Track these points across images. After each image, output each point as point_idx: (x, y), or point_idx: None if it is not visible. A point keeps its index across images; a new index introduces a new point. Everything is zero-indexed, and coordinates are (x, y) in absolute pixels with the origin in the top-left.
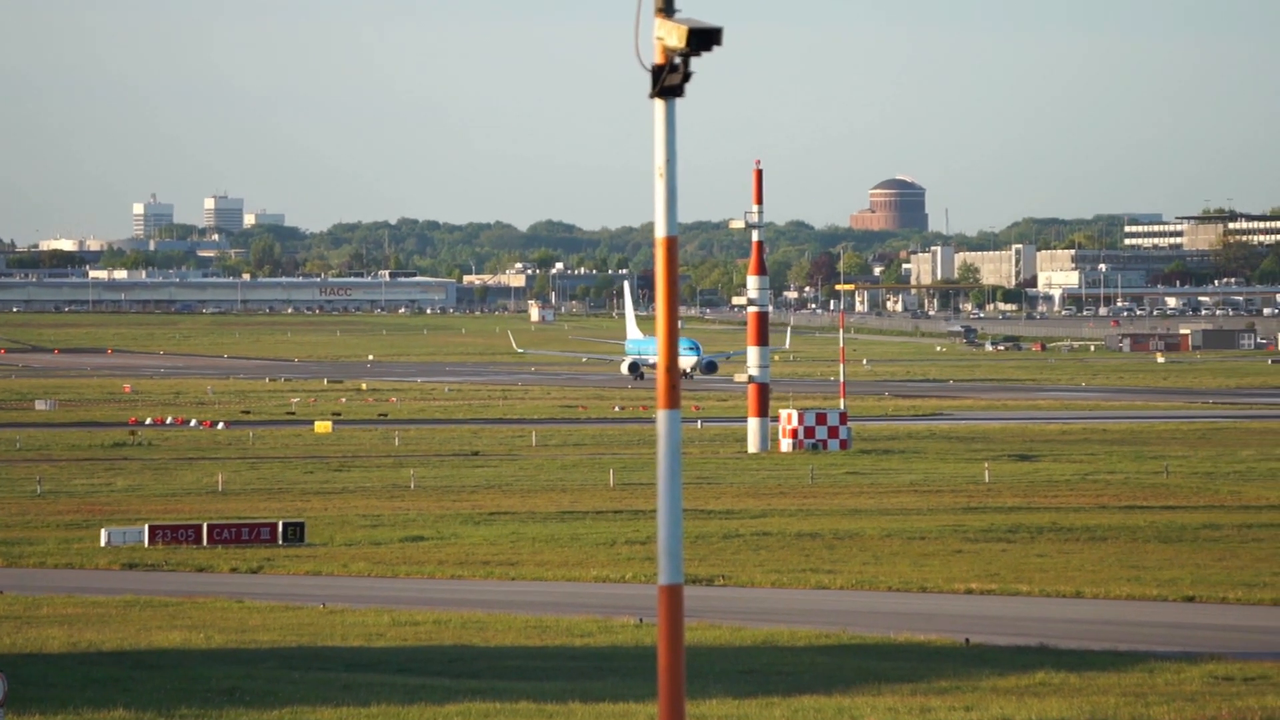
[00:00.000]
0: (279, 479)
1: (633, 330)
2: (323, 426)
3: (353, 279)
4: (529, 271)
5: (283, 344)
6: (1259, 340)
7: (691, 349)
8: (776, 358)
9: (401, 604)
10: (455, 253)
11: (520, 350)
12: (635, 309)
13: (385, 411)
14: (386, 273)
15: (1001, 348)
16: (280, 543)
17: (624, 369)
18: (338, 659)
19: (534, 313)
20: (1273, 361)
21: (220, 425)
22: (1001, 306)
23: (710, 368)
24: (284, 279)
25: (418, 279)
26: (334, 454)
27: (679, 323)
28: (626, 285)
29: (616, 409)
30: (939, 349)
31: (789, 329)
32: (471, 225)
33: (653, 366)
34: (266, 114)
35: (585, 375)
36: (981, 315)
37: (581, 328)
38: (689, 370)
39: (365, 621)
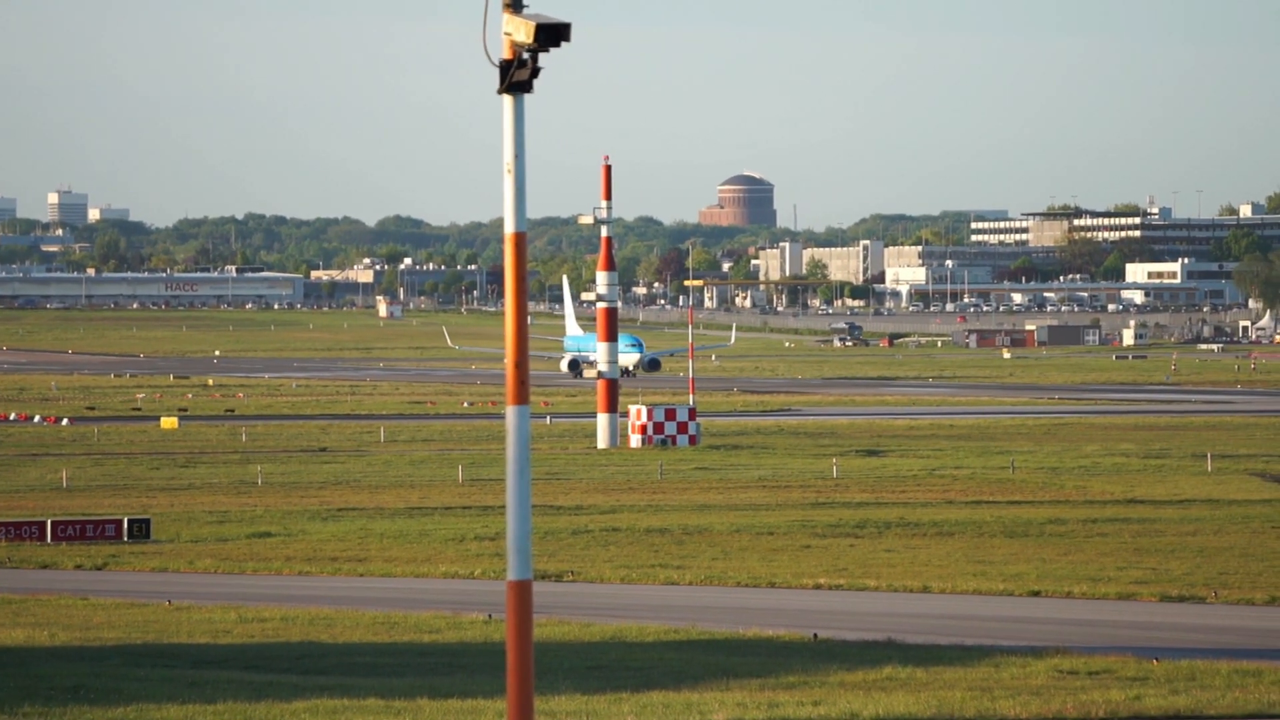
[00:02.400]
0: (124, 475)
1: (572, 327)
2: (169, 422)
3: (199, 274)
4: (377, 267)
5: (128, 339)
6: (1103, 336)
7: (634, 346)
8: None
9: (248, 600)
10: (303, 248)
11: (455, 347)
12: (486, 305)
13: (232, 407)
14: (233, 268)
15: (850, 343)
16: (125, 539)
17: (563, 366)
18: (184, 656)
19: (382, 308)
20: (1117, 357)
21: (65, 421)
22: (849, 302)
23: (653, 365)
24: (129, 274)
25: (265, 274)
26: (180, 450)
27: (529, 318)
28: (565, 281)
29: (465, 404)
30: (787, 345)
31: (733, 328)
32: (319, 220)
33: (593, 364)
34: (112, 108)
35: (433, 371)
36: (830, 311)
37: (430, 323)
38: (630, 368)
39: (212, 618)
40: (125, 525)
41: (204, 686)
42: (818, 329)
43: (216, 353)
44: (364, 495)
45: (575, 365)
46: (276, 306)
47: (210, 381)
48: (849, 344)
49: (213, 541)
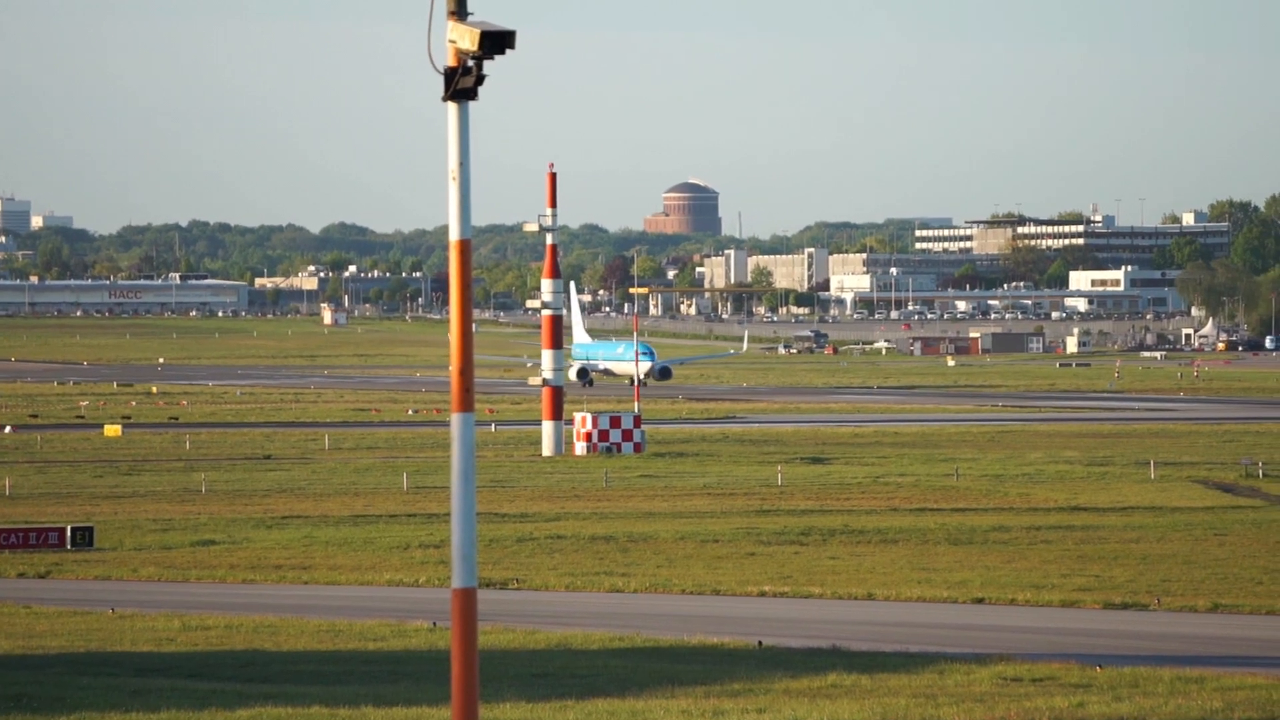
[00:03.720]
0: (68, 483)
1: (580, 334)
2: (112, 430)
3: (143, 282)
4: (322, 274)
5: (71, 347)
6: (1047, 344)
7: (646, 354)
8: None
9: (192, 609)
10: (247, 255)
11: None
12: (431, 313)
13: (176, 415)
14: (177, 275)
15: (794, 350)
16: (69, 547)
17: (572, 375)
18: (127, 664)
19: (327, 316)
20: (1060, 365)
21: (7, 429)
22: (794, 310)
23: (665, 374)
24: (73, 282)
25: (209, 282)
26: (124, 458)
27: (474, 326)
28: (573, 285)
29: (410, 412)
30: (731, 351)
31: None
32: (263, 228)
33: (604, 372)
34: (54, 115)
35: (378, 379)
36: (775, 319)
37: (375, 330)
38: (643, 377)
39: (155, 626)
40: (68, 533)
41: (147, 695)
42: (763, 336)
43: (160, 360)
44: (308, 503)
45: (585, 374)
46: (221, 314)
47: (154, 389)
48: (792, 351)
49: (156, 549)
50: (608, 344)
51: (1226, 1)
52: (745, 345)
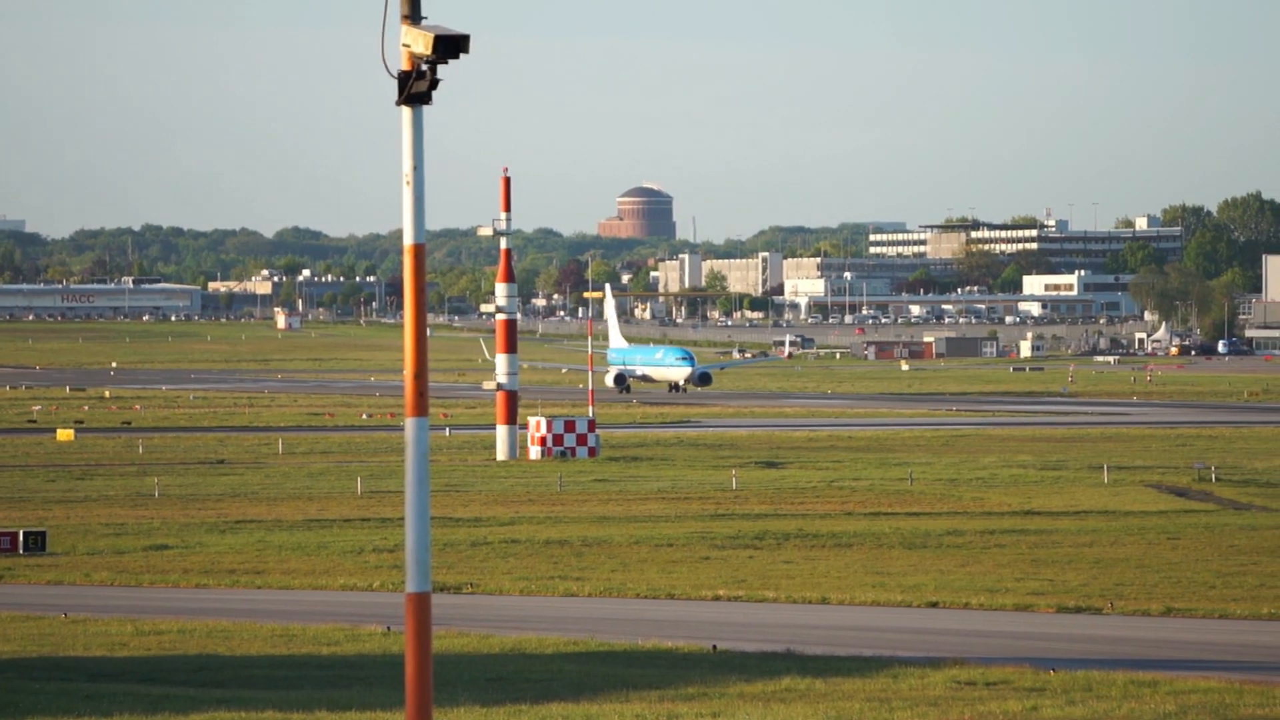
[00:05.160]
0: (20, 488)
1: (616, 339)
2: (65, 434)
3: (96, 286)
4: (275, 279)
5: (24, 351)
6: (1001, 348)
7: (684, 359)
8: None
9: (145, 613)
10: (200, 259)
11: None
12: (385, 317)
13: (129, 420)
14: (130, 280)
15: (749, 355)
16: (21, 552)
17: (609, 381)
18: (80, 669)
19: (280, 320)
20: (1014, 369)
21: None
22: (749, 314)
23: (704, 379)
24: (25, 285)
25: (162, 286)
26: (76, 462)
27: (428, 330)
28: (608, 289)
29: (364, 416)
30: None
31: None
32: (217, 232)
33: (641, 378)
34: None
35: (332, 383)
36: (729, 323)
37: (329, 334)
38: (682, 383)
39: (108, 631)
40: (20, 538)
41: (100, 699)
42: (717, 341)
43: (113, 364)
44: (262, 507)
45: (622, 379)
46: (174, 318)
47: (107, 393)
48: (747, 355)
49: (109, 554)
50: (646, 349)
51: (1178, 8)
52: (787, 350)
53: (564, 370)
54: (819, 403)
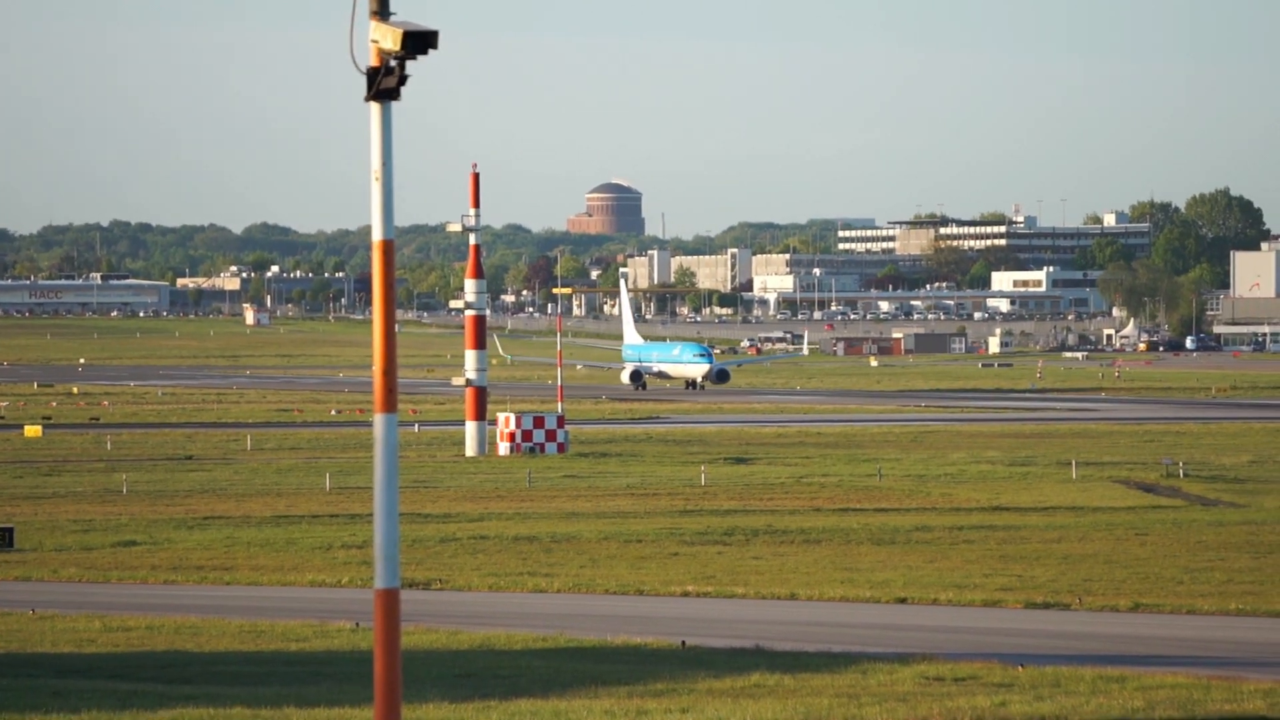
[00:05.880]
0: None
1: (631, 335)
2: (33, 430)
3: (64, 282)
4: (244, 275)
5: None
6: (969, 344)
7: (702, 356)
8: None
9: (113, 610)
10: (169, 255)
11: (509, 359)
12: (354, 313)
13: (97, 415)
14: (98, 275)
15: (788, 348)
16: None
17: (624, 378)
18: (47, 665)
19: (249, 316)
20: (983, 365)
21: None
22: (718, 310)
23: (722, 377)
24: None
25: (130, 282)
26: (44, 458)
27: (396, 326)
28: (624, 285)
29: (333, 412)
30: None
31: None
32: (185, 228)
33: (658, 375)
34: None
35: (300, 379)
36: (699, 320)
37: (298, 330)
38: (700, 380)
39: (76, 627)
40: None
41: (68, 696)
42: (686, 337)
43: (81, 360)
44: (230, 503)
45: (638, 376)
46: (142, 314)
47: (75, 389)
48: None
49: (77, 550)
50: (663, 345)
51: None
52: (806, 348)
53: (579, 367)
54: (788, 399)
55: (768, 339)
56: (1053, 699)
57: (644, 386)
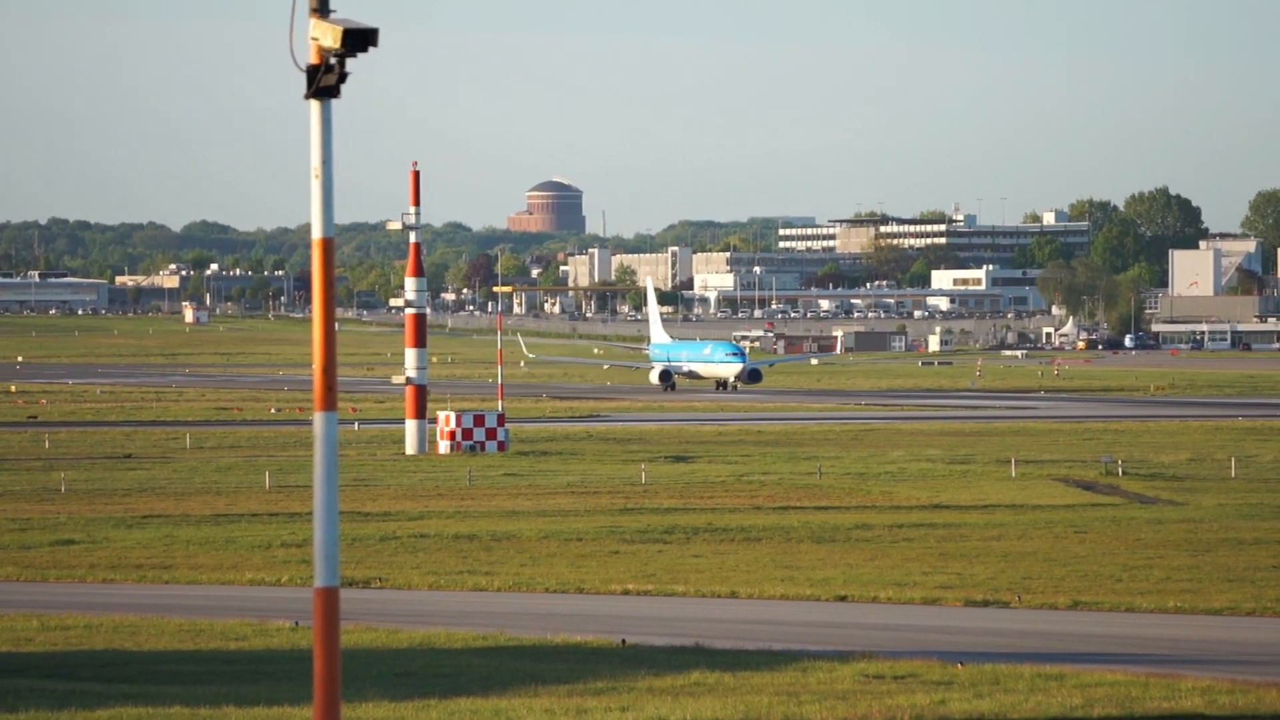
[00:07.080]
0: None
1: (658, 334)
2: None
3: (1, 280)
4: (183, 273)
5: None
6: (909, 342)
7: (735, 355)
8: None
9: (51, 609)
10: (107, 253)
11: (532, 357)
12: (294, 311)
13: (35, 414)
14: (36, 273)
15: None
16: None
17: (653, 378)
18: None
19: (188, 314)
20: (923, 364)
21: None
22: (659, 308)
23: (754, 377)
24: None
25: (68, 280)
26: None
27: (336, 324)
28: (650, 282)
29: (272, 411)
30: (596, 351)
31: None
32: (124, 226)
33: (687, 374)
34: None
35: (240, 377)
36: (639, 318)
37: (237, 328)
38: (731, 379)
39: (13, 626)
40: None
41: (5, 695)
42: (626, 335)
43: (19, 358)
44: (169, 502)
45: (668, 376)
46: (81, 312)
47: (13, 388)
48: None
49: (15, 549)
50: (693, 344)
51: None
52: (840, 348)
53: (605, 366)
54: (729, 397)
55: (743, 337)
56: (992, 697)
57: (673, 386)
